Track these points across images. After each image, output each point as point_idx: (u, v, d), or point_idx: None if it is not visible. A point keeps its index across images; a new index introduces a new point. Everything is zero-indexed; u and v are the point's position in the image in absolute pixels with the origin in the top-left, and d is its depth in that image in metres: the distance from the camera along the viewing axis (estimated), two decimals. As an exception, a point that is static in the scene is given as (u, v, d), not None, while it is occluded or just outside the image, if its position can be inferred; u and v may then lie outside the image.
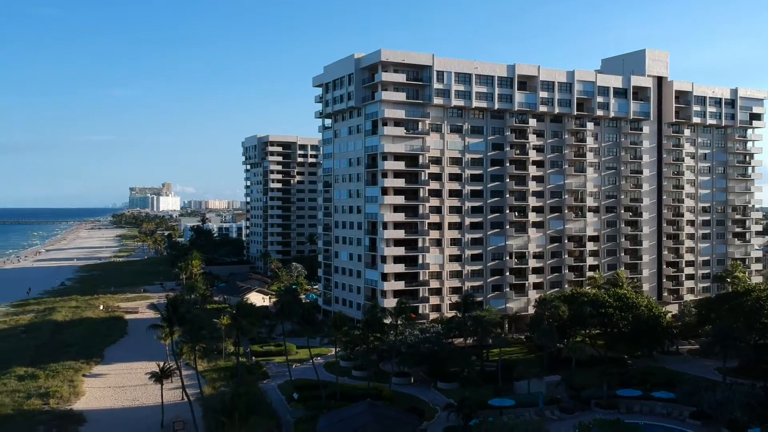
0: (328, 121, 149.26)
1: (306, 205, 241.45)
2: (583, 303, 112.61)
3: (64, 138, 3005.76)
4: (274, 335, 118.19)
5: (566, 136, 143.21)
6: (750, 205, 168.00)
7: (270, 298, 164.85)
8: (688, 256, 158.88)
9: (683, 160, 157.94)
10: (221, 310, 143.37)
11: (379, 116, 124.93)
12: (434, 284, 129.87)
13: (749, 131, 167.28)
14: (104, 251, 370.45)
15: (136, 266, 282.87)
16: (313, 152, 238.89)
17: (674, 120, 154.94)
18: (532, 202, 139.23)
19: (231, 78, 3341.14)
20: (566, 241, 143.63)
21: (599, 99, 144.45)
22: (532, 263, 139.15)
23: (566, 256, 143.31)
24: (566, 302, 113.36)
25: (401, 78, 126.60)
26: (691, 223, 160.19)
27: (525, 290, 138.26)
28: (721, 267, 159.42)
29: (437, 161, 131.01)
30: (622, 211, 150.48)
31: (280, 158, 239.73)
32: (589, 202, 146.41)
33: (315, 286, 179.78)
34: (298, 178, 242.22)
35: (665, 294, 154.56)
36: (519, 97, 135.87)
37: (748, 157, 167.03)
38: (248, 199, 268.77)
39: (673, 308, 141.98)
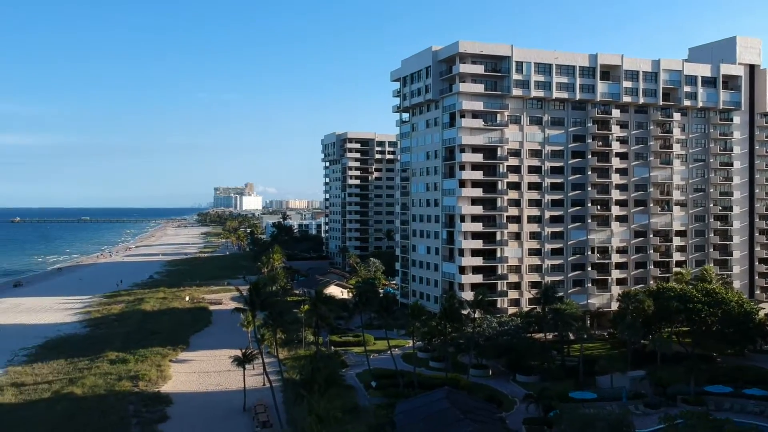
0: (405, 115, 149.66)
1: (383, 201, 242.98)
2: (670, 298, 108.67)
3: (156, 142, 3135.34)
4: (352, 326, 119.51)
5: (651, 127, 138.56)
6: None
7: (348, 291, 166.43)
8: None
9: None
10: (301, 302, 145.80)
11: (457, 108, 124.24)
12: (513, 278, 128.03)
13: None
14: (190, 247, 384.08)
15: (220, 261, 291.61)
16: (391, 149, 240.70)
17: (767, 110, 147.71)
18: (616, 195, 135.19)
19: (310, 78, 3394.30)
20: (651, 235, 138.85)
21: (686, 89, 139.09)
22: (615, 258, 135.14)
23: (651, 251, 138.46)
24: (651, 297, 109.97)
25: (479, 69, 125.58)
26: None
27: (608, 286, 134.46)
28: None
29: (516, 153, 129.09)
30: (711, 205, 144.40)
31: (358, 155, 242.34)
32: (676, 195, 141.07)
33: (392, 281, 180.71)
34: (375, 174, 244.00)
35: (758, 292, 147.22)
36: (601, 87, 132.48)
37: None
38: (327, 196, 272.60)
39: (767, 306, 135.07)
